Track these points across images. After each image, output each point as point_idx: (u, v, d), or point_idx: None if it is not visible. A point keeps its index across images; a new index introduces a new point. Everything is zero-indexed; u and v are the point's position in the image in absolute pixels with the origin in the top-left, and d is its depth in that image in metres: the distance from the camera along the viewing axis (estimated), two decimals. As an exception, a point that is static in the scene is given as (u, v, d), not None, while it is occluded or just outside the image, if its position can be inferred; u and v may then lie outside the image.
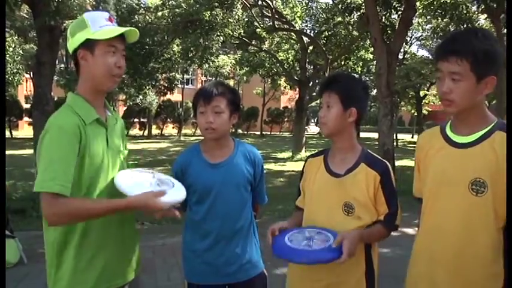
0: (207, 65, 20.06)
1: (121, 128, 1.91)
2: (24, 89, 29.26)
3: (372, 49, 13.48)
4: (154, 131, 32.96)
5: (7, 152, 17.82)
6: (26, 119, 29.68)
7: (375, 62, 11.87)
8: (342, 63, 19.32)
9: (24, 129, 30.10)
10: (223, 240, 2.02)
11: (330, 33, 17.20)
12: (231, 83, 35.05)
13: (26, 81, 25.89)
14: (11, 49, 22.00)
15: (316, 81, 18.56)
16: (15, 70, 22.62)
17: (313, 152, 2.13)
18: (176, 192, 1.76)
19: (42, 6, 7.87)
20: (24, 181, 9.20)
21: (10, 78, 22.26)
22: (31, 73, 27.18)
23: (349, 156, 1.90)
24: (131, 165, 1.96)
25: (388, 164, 1.91)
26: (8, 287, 3.96)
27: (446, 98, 1.60)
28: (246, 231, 2.09)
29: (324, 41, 17.38)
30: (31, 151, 16.26)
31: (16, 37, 23.19)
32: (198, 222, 2.04)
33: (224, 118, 2.00)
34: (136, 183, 1.69)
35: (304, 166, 2.05)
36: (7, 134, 27.70)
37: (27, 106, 29.77)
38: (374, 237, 1.86)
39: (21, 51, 23.35)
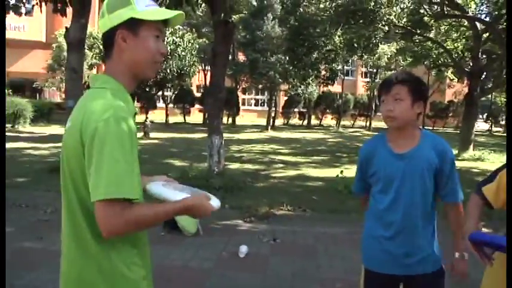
0: (367, 55, 19.61)
1: None
2: (196, 80, 32.30)
3: None
4: (313, 121, 33.61)
5: (182, 135, 20.09)
6: (196, 106, 32.92)
7: None
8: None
9: (195, 115, 33.42)
10: (404, 231, 1.99)
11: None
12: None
13: (199, 72, 28.56)
14: (189, 44, 24.53)
15: (493, 73, 16.68)
16: (191, 62, 25.09)
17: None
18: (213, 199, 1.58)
19: (219, 4, 8.64)
20: (198, 162, 10.26)
21: (187, 70, 24.84)
22: (203, 65, 29.97)
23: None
24: None
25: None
26: (188, 253, 4.51)
27: None
28: (428, 223, 2.02)
29: (503, 27, 15.47)
30: (201, 135, 18.09)
31: (191, 33, 25.64)
32: (381, 212, 2.04)
33: (404, 106, 1.96)
34: (174, 190, 1.52)
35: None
36: (181, 119, 31.09)
37: (198, 95, 33.02)
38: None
39: (196, 45, 25.72)
